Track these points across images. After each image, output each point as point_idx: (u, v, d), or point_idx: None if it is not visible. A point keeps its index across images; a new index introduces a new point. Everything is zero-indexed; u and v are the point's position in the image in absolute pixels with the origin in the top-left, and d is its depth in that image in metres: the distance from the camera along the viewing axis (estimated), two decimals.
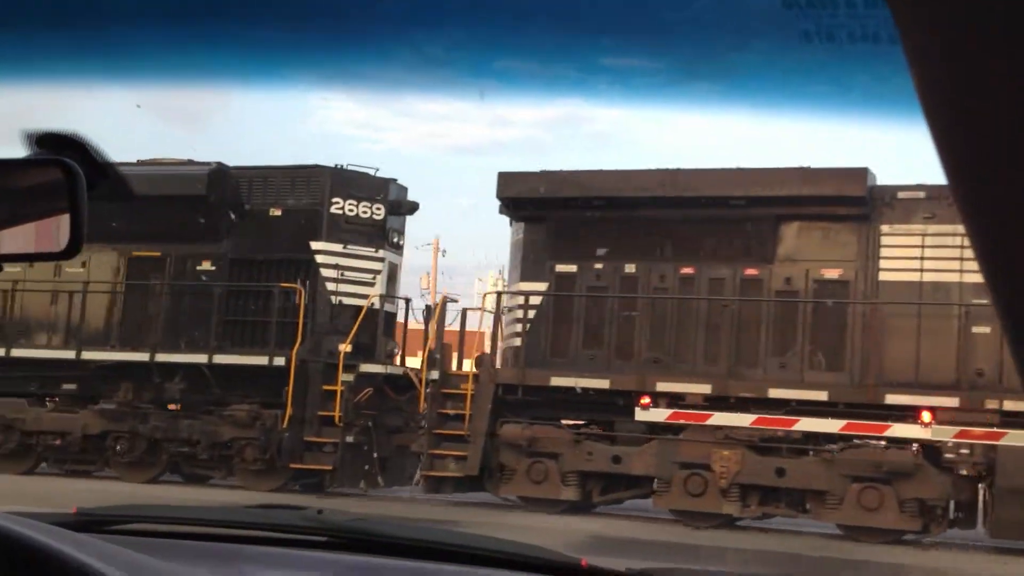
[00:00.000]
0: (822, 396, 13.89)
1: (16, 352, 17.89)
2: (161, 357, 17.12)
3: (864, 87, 1.23)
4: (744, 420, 14.28)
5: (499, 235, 16.98)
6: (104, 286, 18.12)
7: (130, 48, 1.60)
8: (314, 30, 1.53)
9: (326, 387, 16.65)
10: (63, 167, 1.51)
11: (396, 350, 17.46)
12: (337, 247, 17.24)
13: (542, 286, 15.90)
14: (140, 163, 18.52)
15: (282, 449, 16.43)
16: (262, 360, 16.62)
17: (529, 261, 16.03)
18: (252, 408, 16.61)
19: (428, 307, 18.45)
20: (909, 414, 13.62)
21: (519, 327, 15.96)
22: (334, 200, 17.27)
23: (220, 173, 17.49)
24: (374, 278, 17.52)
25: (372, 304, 17.33)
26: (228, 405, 16.91)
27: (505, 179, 15.96)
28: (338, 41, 1.53)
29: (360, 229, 17.37)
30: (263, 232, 17.31)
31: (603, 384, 14.88)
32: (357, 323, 16.82)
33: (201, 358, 16.91)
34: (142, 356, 17.20)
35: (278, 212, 17.37)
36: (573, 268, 15.76)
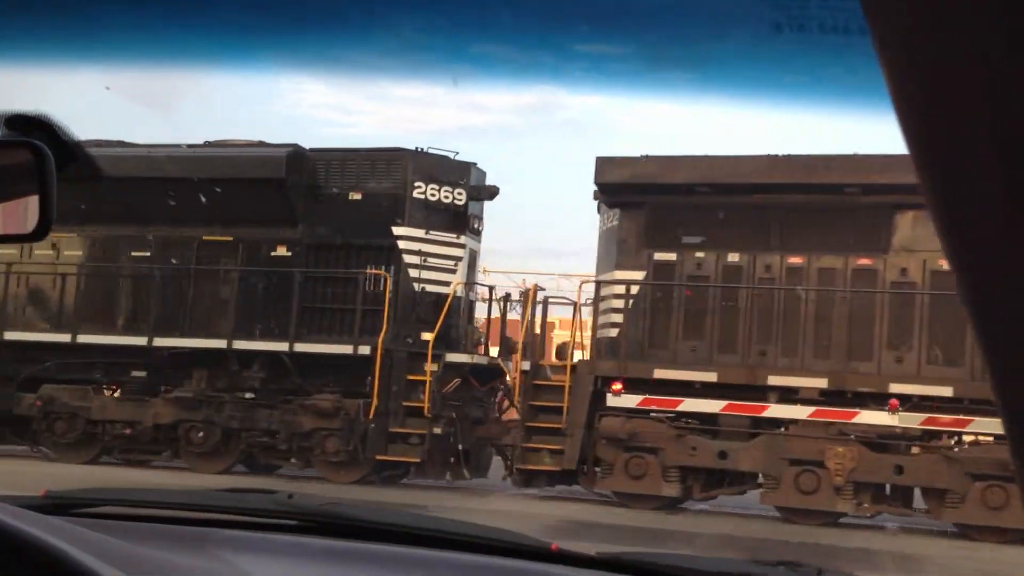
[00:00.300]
0: (946, 392, 13.44)
1: (83, 338, 17.31)
2: (239, 344, 16.59)
3: (837, 77, 1.24)
4: (715, 406, 14.30)
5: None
6: (170, 271, 17.56)
7: (100, 30, 1.57)
8: (287, 11, 1.50)
9: (411, 377, 16.16)
10: (32, 149, 1.47)
11: (482, 339, 16.94)
12: (419, 232, 16.71)
13: (639, 275, 15.40)
14: (208, 144, 18.00)
15: (367, 440, 15.93)
16: (346, 348, 16.10)
17: (626, 249, 15.52)
18: (335, 398, 16.09)
19: (509, 295, 17.92)
20: None
21: (613, 317, 15.47)
22: (416, 184, 16.73)
23: (298, 155, 16.95)
24: (455, 265, 17.00)
25: (455, 292, 16.82)
26: (307, 394, 16.40)
27: (604, 164, 15.42)
28: (313, 23, 1.50)
29: (442, 214, 16.84)
30: (341, 217, 16.76)
31: (710, 377, 14.41)
32: (444, 311, 16.31)
33: (282, 346, 16.38)
34: (219, 343, 16.66)
35: (357, 196, 16.82)
36: (672, 256, 15.26)
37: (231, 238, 17.24)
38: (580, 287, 16.07)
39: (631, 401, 14.71)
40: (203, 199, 16.96)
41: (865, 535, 13.44)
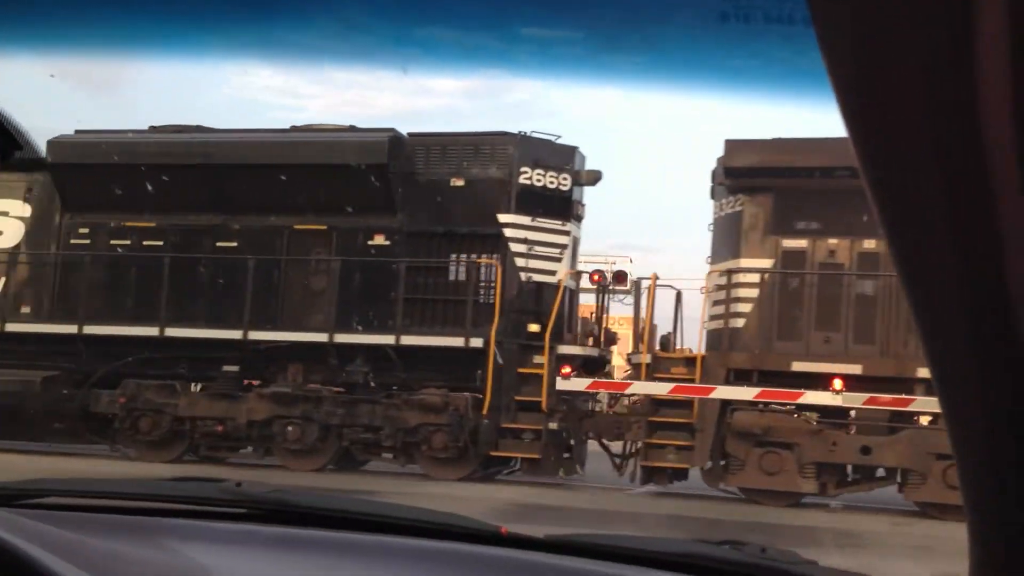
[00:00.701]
0: None
1: (171, 332, 16.57)
2: (341, 338, 15.88)
3: (784, 62, 1.25)
4: (663, 388, 14.58)
5: None
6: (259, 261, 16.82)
7: (39, 17, 1.52)
8: None
9: (521, 370, 15.53)
10: None
11: (596, 330, 16.31)
12: (526, 220, 16.07)
13: (767, 263, 14.80)
14: (294, 129, 17.29)
15: (479, 436, 15.29)
16: (457, 341, 15.44)
17: (751, 236, 14.91)
18: (443, 392, 15.43)
19: (609, 282, 17.25)
20: None
21: (738, 307, 14.87)
22: (522, 169, 16.08)
23: (398, 140, 16.26)
24: (561, 253, 16.37)
25: (563, 281, 16.19)
26: (409, 389, 15.75)
27: (733, 147, 14.81)
28: (257, 6, 1.50)
29: (548, 200, 16.20)
30: (442, 204, 16.09)
31: (854, 370, 13.84)
32: (557, 301, 15.69)
33: (387, 339, 15.69)
34: (320, 336, 15.96)
35: (460, 182, 16.15)
36: (803, 244, 14.68)
37: (325, 227, 16.54)
38: (708, 277, 15.40)
39: (580, 385, 15.03)
40: (295, 186, 16.25)
41: (810, 513, 13.64)
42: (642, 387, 14.84)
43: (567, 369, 14.99)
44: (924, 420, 13.92)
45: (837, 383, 13.86)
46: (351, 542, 1.89)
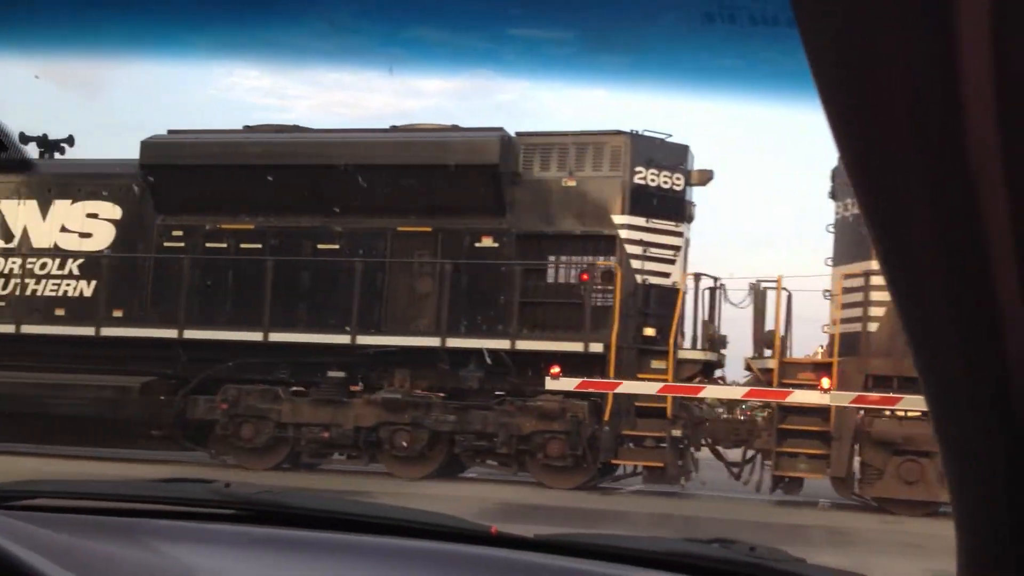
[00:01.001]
0: None
1: (276, 337, 16.17)
2: (454, 342, 15.47)
3: (770, 63, 1.25)
4: (651, 388, 14.58)
5: None
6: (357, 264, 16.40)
7: (26, 18, 1.54)
8: None
9: (641, 375, 15.10)
10: None
11: (716, 334, 15.86)
12: (641, 221, 15.63)
13: None
14: (395, 129, 16.87)
15: (599, 444, 14.87)
16: (576, 346, 15.01)
17: None
18: (559, 398, 15.01)
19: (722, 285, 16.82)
20: None
21: (873, 311, 14.40)
22: (637, 169, 15.64)
23: (508, 140, 15.83)
24: (675, 255, 15.93)
25: (677, 283, 15.76)
26: (522, 394, 15.33)
27: None
28: (244, 6, 1.50)
29: (662, 201, 15.76)
30: (554, 205, 15.67)
31: None
32: (678, 305, 15.25)
33: (502, 343, 15.27)
34: (432, 341, 15.54)
35: (572, 182, 15.71)
36: None
37: (430, 228, 16.12)
38: (837, 276, 14.92)
39: (569, 384, 14.69)
40: (400, 187, 15.84)
41: (799, 511, 13.58)
42: (631, 386, 14.70)
43: (556, 369, 14.71)
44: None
45: (825, 382, 13.88)
46: (340, 543, 1.88)
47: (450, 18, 1.43)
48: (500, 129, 16.02)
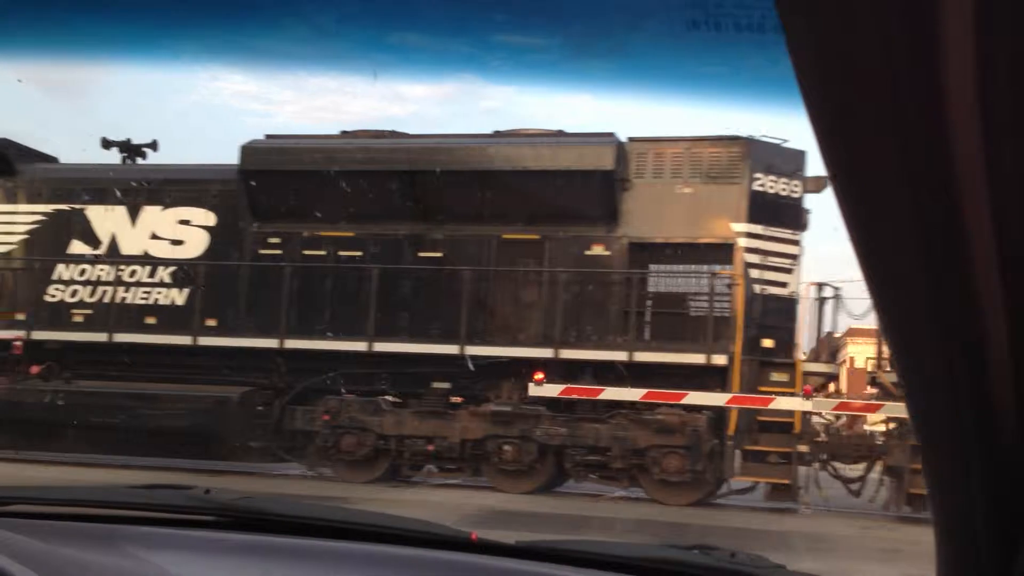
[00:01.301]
0: None
1: (381, 347, 15.75)
2: (568, 353, 15.01)
3: (755, 70, 1.25)
4: (634, 395, 14.45)
5: None
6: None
7: (8, 20, 1.52)
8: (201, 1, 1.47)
9: (762, 388, 14.60)
10: None
11: (838, 346, 15.37)
12: (759, 229, 15.15)
13: None
14: (497, 134, 16.46)
15: (719, 459, 14.36)
16: (697, 358, 14.52)
17: None
18: (678, 411, 14.53)
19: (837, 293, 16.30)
20: None
21: None
22: (755, 176, 15.17)
23: (621, 145, 15.40)
24: (793, 264, 15.44)
25: (794, 293, 15.27)
26: (634, 408, 14.85)
27: None
28: (227, 12, 1.47)
29: (780, 208, 15.29)
30: (668, 212, 15.21)
31: None
32: (801, 316, 14.78)
33: (619, 355, 14.80)
34: (544, 352, 15.08)
35: (687, 189, 15.26)
36: None
37: (537, 236, 15.69)
38: None
39: (552, 391, 14.69)
40: (506, 193, 15.42)
41: (779, 518, 13.64)
42: (615, 392, 14.60)
43: (539, 375, 14.58)
44: None
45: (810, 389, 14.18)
46: (320, 549, 1.87)
47: (434, 23, 1.41)
48: (611, 134, 15.60)
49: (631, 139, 15.60)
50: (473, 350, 15.32)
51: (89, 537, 1.79)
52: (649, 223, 15.23)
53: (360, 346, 15.73)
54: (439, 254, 16.12)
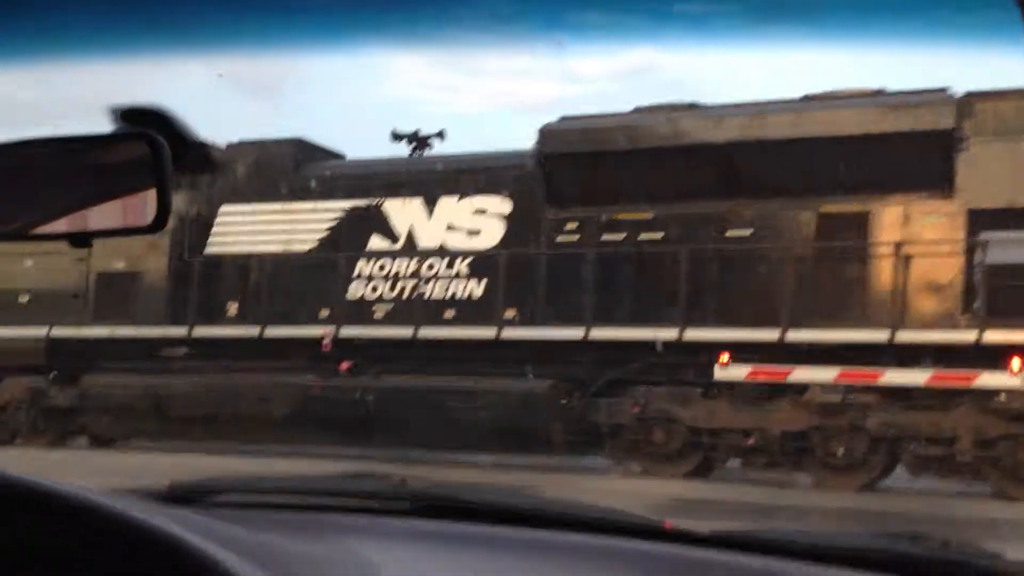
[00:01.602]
0: None
1: (691, 335, 14.76)
2: (905, 336, 13.54)
3: (953, 16, 1.22)
4: (828, 374, 13.66)
5: None
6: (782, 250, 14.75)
7: (203, 18, 1.58)
8: None
9: None
10: (148, 141, 1.49)
11: None
12: None
13: None
14: (807, 100, 15.15)
15: None
16: None
17: None
18: None
19: None
20: None
21: None
22: None
23: (961, 101, 13.80)
24: None
25: None
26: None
27: None
28: (405, 1, 1.53)
29: None
30: (1014, 173, 13.47)
31: None
32: None
33: (964, 336, 13.24)
34: (876, 335, 13.69)
35: None
36: None
37: (860, 208, 14.30)
38: None
39: (739, 373, 14.11)
40: (825, 163, 14.11)
41: (987, 505, 12.60)
42: (805, 373, 13.96)
43: (724, 358, 14.21)
44: None
45: (1015, 363, 12.68)
46: (513, 537, 1.88)
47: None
48: (943, 90, 14.02)
49: (969, 94, 13.95)
50: (797, 335, 14.11)
51: (293, 525, 1.82)
52: (992, 189, 13.56)
53: (670, 334, 14.81)
54: (747, 232, 15.00)
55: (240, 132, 17.72)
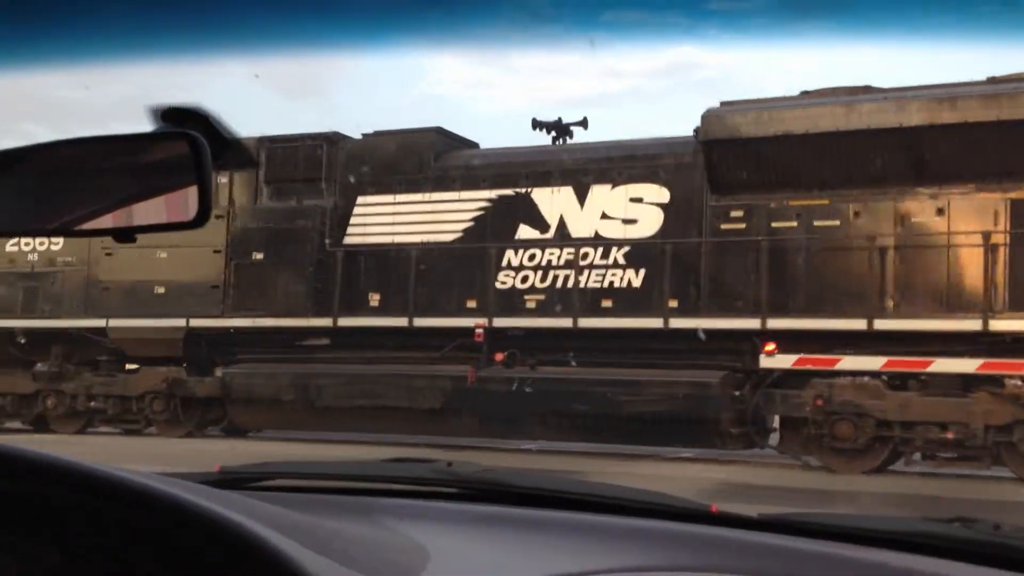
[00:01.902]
0: None
1: (881, 325, 14.28)
2: None
3: (991, 13, 1.25)
4: (874, 363, 13.97)
5: None
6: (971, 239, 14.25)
7: (244, 18, 1.59)
8: None
9: None
10: (188, 140, 1.53)
11: None
12: None
13: None
14: (991, 81, 14.64)
15: None
16: None
17: None
18: None
19: None
20: None
21: None
22: None
23: None
24: None
25: None
26: None
27: None
28: (445, 1, 1.52)
29: None
30: None
31: None
32: None
33: None
34: None
35: None
36: None
37: None
38: None
39: (786, 362, 14.36)
40: (1013, 146, 13.62)
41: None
42: (852, 362, 14.24)
43: (771, 346, 14.39)
44: None
45: None
46: (558, 520, 1.89)
47: None
48: None
49: None
50: (1001, 324, 13.61)
51: (342, 508, 1.85)
52: None
53: (859, 324, 14.32)
54: (933, 219, 14.51)
55: (278, 130, 17.61)
